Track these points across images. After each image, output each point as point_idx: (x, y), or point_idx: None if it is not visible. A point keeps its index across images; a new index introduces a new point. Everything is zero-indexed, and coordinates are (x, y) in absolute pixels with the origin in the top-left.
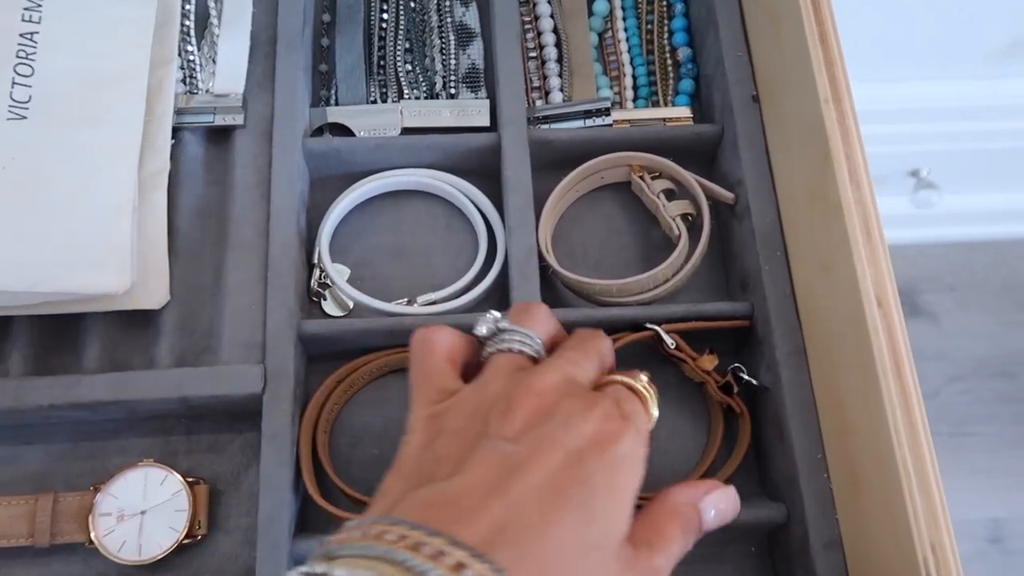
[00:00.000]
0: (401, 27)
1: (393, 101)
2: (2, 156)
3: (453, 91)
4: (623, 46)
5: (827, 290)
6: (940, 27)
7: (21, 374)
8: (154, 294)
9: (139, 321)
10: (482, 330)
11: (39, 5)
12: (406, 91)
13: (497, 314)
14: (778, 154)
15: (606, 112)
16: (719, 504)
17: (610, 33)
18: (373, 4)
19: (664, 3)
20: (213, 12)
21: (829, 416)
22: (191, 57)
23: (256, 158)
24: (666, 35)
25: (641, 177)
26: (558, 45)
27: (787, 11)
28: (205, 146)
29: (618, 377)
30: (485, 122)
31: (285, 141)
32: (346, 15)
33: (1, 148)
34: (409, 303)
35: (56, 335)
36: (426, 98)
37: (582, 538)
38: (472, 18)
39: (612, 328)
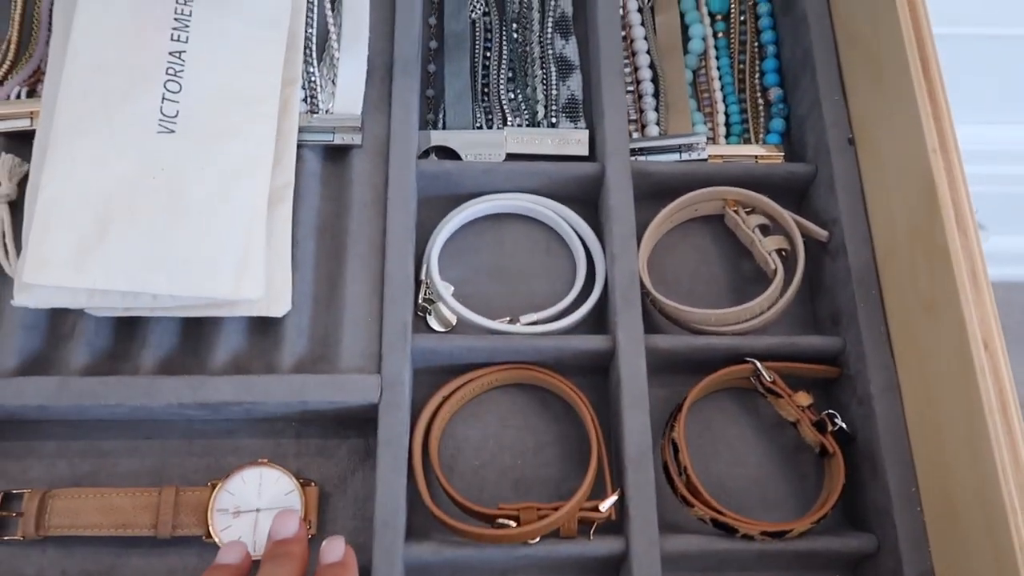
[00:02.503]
0: (504, 57)
1: (497, 127)
2: (154, 167)
3: (554, 120)
4: (716, 84)
5: (928, 329)
6: (990, 73)
7: (151, 372)
8: (278, 302)
9: (262, 327)
10: None
11: (187, 25)
12: (509, 118)
13: None
14: (875, 196)
15: (702, 147)
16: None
17: (704, 71)
18: (478, 33)
19: (756, 44)
20: (333, 36)
21: (924, 451)
22: (313, 78)
23: (371, 176)
24: (758, 75)
25: (736, 211)
26: (654, 80)
27: (890, 57)
28: (322, 163)
29: None
30: (584, 151)
31: (401, 162)
32: (454, 43)
33: (153, 159)
34: (511, 322)
35: (185, 337)
36: (528, 126)
37: None
38: (572, 51)
39: (708, 355)
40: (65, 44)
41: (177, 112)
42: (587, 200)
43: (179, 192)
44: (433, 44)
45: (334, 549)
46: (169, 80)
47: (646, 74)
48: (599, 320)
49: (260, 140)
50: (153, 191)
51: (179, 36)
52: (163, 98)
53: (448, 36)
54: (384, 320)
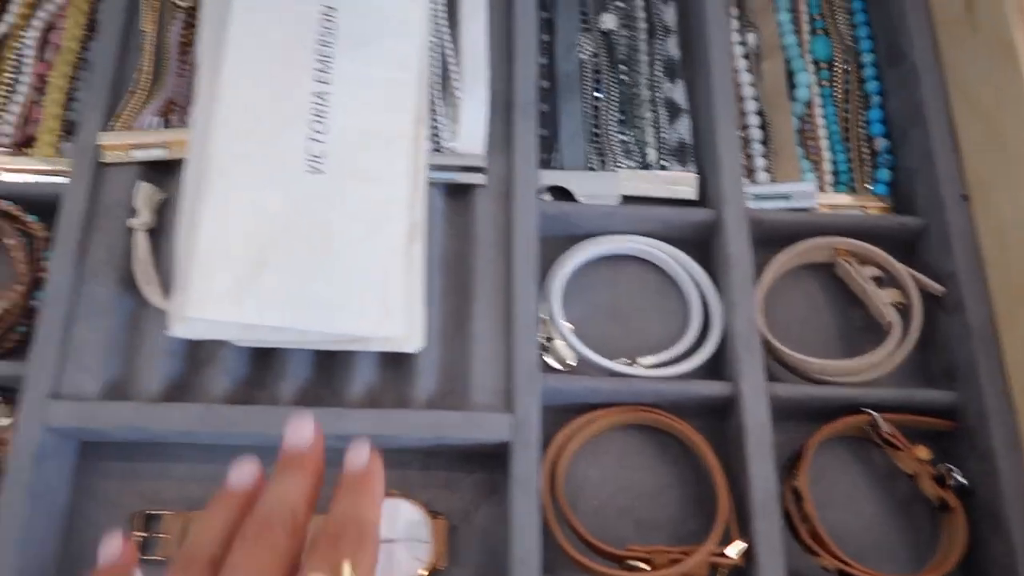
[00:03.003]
0: (614, 98)
1: (610, 169)
2: (304, 206)
3: (664, 163)
4: (822, 132)
5: None
6: None
7: (288, 402)
8: (413, 338)
9: (394, 361)
10: None
11: (329, 68)
12: (621, 160)
13: None
14: (992, 253)
15: (812, 196)
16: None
17: (809, 118)
18: (586, 74)
19: (860, 93)
20: (455, 75)
21: None
22: (436, 117)
23: (495, 216)
24: (862, 124)
25: (848, 262)
26: (762, 127)
27: (1014, 124)
28: (446, 200)
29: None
30: (694, 196)
31: (524, 203)
32: (566, 84)
33: (303, 198)
34: (630, 364)
35: (320, 368)
36: (639, 168)
37: None
38: (679, 94)
39: (825, 405)
40: (214, 82)
41: (323, 152)
42: (697, 242)
43: (327, 231)
44: (545, 83)
45: (359, 455)
46: (315, 121)
47: (754, 120)
48: (714, 364)
49: (397, 180)
50: (303, 229)
51: (322, 78)
52: (310, 138)
53: (560, 76)
54: (513, 359)
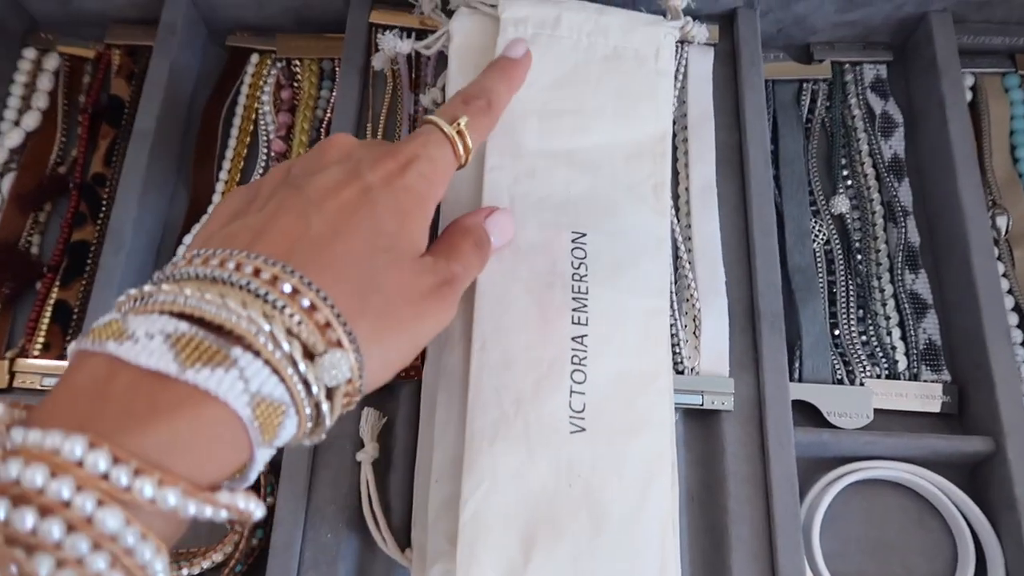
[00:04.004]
0: (851, 294)
1: (856, 379)
2: (570, 474)
3: (915, 370)
4: None
5: None
6: None
7: None
8: None
9: None
10: None
11: (584, 305)
12: (867, 368)
13: None
14: None
15: None
16: (500, 223)
17: None
18: (820, 267)
19: None
20: (692, 286)
21: None
22: (676, 335)
23: (746, 446)
24: None
25: None
26: (1021, 326)
27: None
28: (686, 424)
29: (433, 118)
30: (953, 410)
31: (780, 434)
32: (802, 281)
33: (568, 465)
34: None
35: None
36: (887, 376)
37: (370, 244)
38: (923, 287)
39: None
40: (460, 322)
41: (584, 406)
42: (962, 467)
43: (597, 502)
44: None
45: (518, 47)
46: (575, 369)
47: (1012, 319)
48: None
49: (661, 429)
50: (572, 503)
51: (579, 319)
52: (571, 391)
53: (793, 271)
54: None
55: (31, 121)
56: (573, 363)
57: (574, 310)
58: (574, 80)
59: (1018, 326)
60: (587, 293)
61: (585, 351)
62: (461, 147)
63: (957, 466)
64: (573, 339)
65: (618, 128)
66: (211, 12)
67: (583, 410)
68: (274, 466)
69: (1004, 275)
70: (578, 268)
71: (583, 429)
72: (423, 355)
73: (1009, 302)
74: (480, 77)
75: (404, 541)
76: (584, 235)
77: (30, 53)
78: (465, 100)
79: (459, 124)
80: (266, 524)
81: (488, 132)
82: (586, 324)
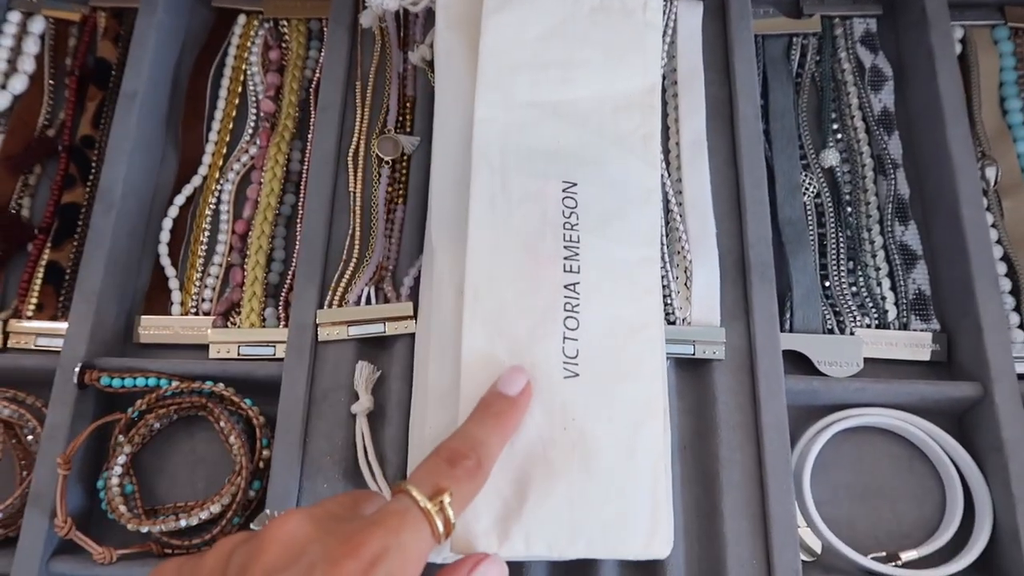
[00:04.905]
0: (842, 246)
1: (849, 331)
2: (563, 417)
3: (904, 320)
4: None
5: None
6: None
7: None
8: (665, 543)
9: (644, 565)
10: None
11: (576, 254)
12: (857, 317)
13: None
14: None
15: None
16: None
17: None
18: (810, 219)
19: None
20: (683, 239)
21: None
22: (667, 286)
23: (737, 395)
24: None
25: None
26: (1010, 274)
27: None
28: (678, 374)
29: (411, 488)
30: (944, 357)
31: (771, 382)
32: (793, 234)
33: (562, 408)
34: (889, 559)
35: (564, 571)
36: (877, 326)
37: None
38: (912, 238)
39: None
40: (452, 274)
41: (577, 352)
42: (952, 414)
43: (590, 445)
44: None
45: (515, 381)
46: (568, 316)
47: (1000, 268)
48: (985, 563)
49: (653, 376)
50: (566, 445)
51: (571, 267)
52: (564, 337)
53: (784, 224)
54: (775, 569)
55: (18, 84)
56: (566, 310)
57: (566, 259)
58: (562, 33)
59: (1006, 275)
60: (578, 242)
61: (577, 298)
62: (441, 523)
63: (945, 412)
64: (566, 287)
65: (607, 80)
66: None
67: (576, 356)
68: (270, 419)
69: (993, 225)
70: (569, 217)
71: (576, 374)
72: (415, 309)
73: (998, 251)
74: (472, 423)
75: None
76: (575, 184)
77: (15, 16)
78: (451, 460)
79: (441, 501)
80: (263, 476)
81: (475, 496)
82: (578, 272)
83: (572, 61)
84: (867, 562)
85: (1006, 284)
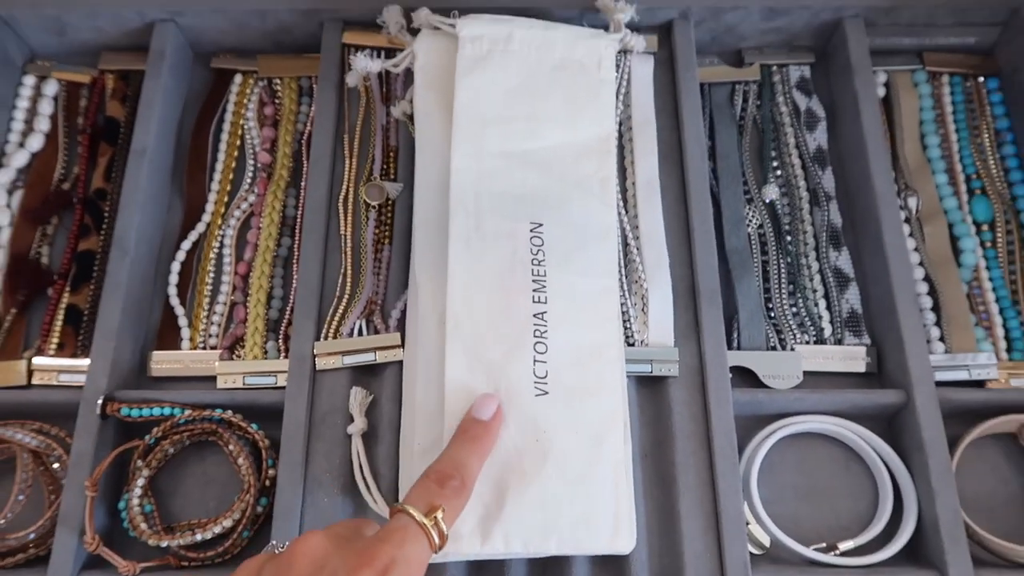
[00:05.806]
0: (783, 271)
1: (790, 348)
2: (535, 430)
3: (839, 336)
4: (991, 296)
5: None
6: None
7: None
8: (626, 539)
9: (607, 560)
10: None
11: (544, 286)
12: (797, 335)
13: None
14: None
15: (993, 367)
16: None
17: (977, 283)
18: (754, 247)
19: None
20: (640, 268)
21: None
22: (626, 312)
23: (689, 406)
24: None
25: None
26: (932, 293)
27: None
28: (638, 390)
29: (409, 508)
30: (873, 369)
31: (719, 394)
32: (739, 260)
33: (534, 423)
34: (828, 550)
35: (539, 568)
36: (815, 342)
37: None
38: (845, 262)
39: None
40: (434, 307)
41: (546, 373)
42: (881, 419)
43: (559, 455)
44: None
45: (487, 407)
46: (537, 342)
47: (922, 287)
48: (918, 552)
49: (613, 391)
50: (537, 455)
51: (539, 297)
52: (534, 360)
53: (730, 253)
54: (726, 561)
55: (35, 143)
56: (536, 336)
57: (535, 291)
58: (526, 89)
59: (928, 293)
60: (546, 276)
61: (545, 326)
62: (436, 535)
63: (876, 417)
64: (535, 316)
65: (567, 131)
66: (196, 37)
67: (546, 376)
68: (274, 442)
69: (915, 249)
70: (536, 254)
71: (546, 392)
72: (403, 339)
73: (920, 273)
74: (452, 449)
75: (393, 503)
76: (541, 225)
77: (30, 80)
78: (439, 481)
79: (435, 517)
80: (270, 493)
81: (463, 508)
82: (546, 303)
83: (536, 115)
84: (810, 552)
85: (928, 302)
